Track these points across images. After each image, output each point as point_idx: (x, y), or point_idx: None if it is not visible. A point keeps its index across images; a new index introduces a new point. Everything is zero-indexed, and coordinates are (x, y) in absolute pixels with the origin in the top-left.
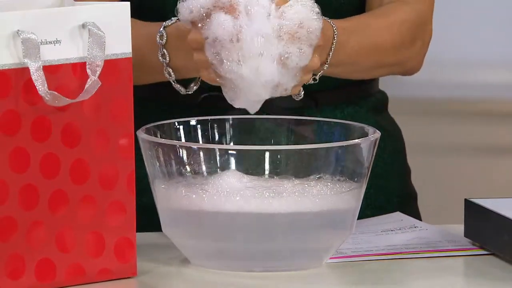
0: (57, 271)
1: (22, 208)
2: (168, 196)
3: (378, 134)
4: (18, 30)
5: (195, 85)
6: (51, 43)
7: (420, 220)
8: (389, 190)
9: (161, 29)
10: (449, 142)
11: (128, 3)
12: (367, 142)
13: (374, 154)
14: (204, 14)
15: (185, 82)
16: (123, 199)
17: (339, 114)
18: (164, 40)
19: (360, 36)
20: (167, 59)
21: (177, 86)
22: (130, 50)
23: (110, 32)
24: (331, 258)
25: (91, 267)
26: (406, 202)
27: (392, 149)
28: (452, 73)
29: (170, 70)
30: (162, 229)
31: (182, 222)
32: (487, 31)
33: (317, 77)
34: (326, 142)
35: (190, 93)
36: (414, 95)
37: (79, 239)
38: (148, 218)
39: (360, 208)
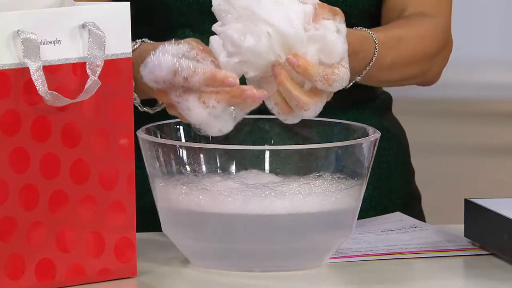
0: (57, 271)
1: (22, 208)
2: (168, 196)
3: (378, 134)
4: (18, 30)
5: (159, 107)
6: (51, 43)
7: (424, 221)
8: (393, 191)
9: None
10: (449, 142)
11: (128, 3)
12: (367, 142)
13: (374, 154)
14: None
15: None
16: (123, 199)
17: (342, 116)
18: None
19: (395, 51)
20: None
21: (144, 110)
22: (130, 50)
23: (110, 32)
24: (331, 258)
25: (91, 267)
26: (410, 203)
27: (396, 150)
28: (452, 73)
29: (136, 95)
30: (162, 229)
31: (182, 222)
32: (487, 32)
33: (349, 86)
34: (326, 142)
35: (157, 110)
36: (414, 95)
37: (79, 239)
38: (148, 218)
39: (364, 209)
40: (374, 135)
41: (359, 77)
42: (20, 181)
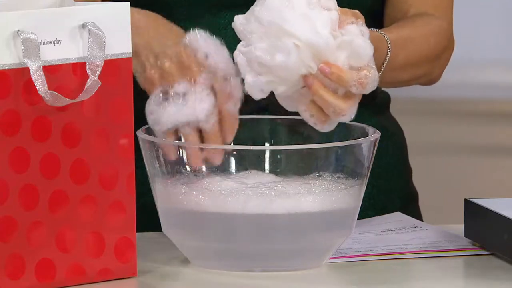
0: (57, 271)
1: (22, 208)
2: (168, 196)
3: (378, 134)
4: (18, 30)
5: None
6: (51, 43)
7: (422, 220)
8: (391, 190)
9: None
10: (449, 142)
11: (128, 3)
12: (367, 142)
13: (374, 154)
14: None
15: None
16: (123, 199)
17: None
18: None
19: (405, 51)
20: None
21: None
22: (130, 50)
23: (110, 32)
24: (331, 258)
25: (91, 267)
26: (407, 202)
27: (394, 149)
28: (452, 73)
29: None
30: (162, 229)
31: (182, 222)
32: (487, 31)
33: None
34: (326, 142)
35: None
36: (414, 95)
37: (79, 239)
38: (148, 218)
39: (362, 208)
40: (374, 135)
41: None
42: (20, 181)
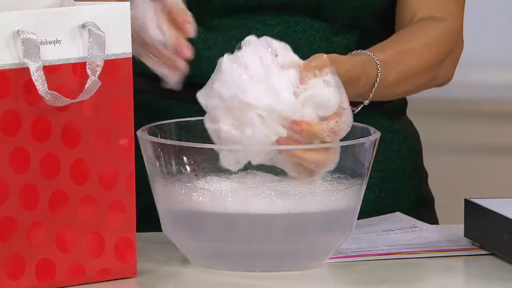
0: (57, 271)
1: (22, 208)
2: (168, 196)
3: (378, 134)
4: (18, 30)
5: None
6: (51, 43)
7: (437, 224)
8: (400, 194)
9: None
10: (449, 142)
11: (128, 3)
12: (367, 142)
13: (374, 154)
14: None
15: None
16: (123, 199)
17: None
18: None
19: (400, 67)
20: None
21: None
22: (130, 50)
23: (110, 32)
24: (331, 258)
25: (91, 267)
26: (420, 206)
27: (406, 152)
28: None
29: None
30: (162, 229)
31: (182, 222)
32: (487, 31)
33: (356, 111)
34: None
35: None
36: (414, 95)
37: (79, 239)
38: (148, 217)
39: (368, 211)
40: (374, 135)
41: (367, 101)
42: (20, 181)
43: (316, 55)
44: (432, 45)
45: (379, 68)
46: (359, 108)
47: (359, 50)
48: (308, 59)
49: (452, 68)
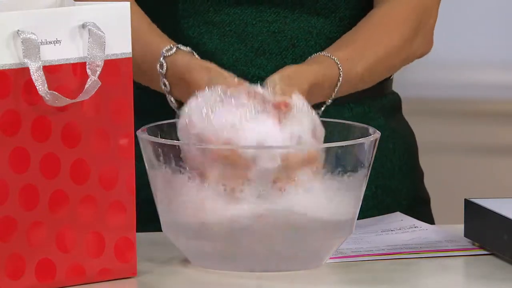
0: (57, 271)
1: (22, 208)
2: (168, 196)
3: (378, 134)
4: (18, 30)
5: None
6: (51, 43)
7: (433, 224)
8: (398, 192)
9: (161, 58)
10: (449, 142)
11: (128, 3)
12: (367, 142)
13: (375, 153)
14: None
15: None
16: (123, 199)
17: (347, 113)
18: (164, 70)
19: (364, 59)
20: (168, 88)
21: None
22: (130, 50)
23: (110, 32)
24: (331, 258)
25: (91, 267)
26: (416, 205)
27: (402, 151)
28: (452, 73)
29: (171, 98)
30: (162, 229)
31: (182, 222)
32: (487, 31)
33: (321, 112)
34: (326, 142)
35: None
36: (413, 95)
37: (79, 239)
38: (148, 212)
39: (366, 208)
40: (374, 135)
41: (330, 100)
42: (20, 181)
43: (270, 82)
44: (398, 26)
45: (340, 68)
46: (323, 109)
47: (318, 53)
48: (269, 88)
49: (428, 39)
